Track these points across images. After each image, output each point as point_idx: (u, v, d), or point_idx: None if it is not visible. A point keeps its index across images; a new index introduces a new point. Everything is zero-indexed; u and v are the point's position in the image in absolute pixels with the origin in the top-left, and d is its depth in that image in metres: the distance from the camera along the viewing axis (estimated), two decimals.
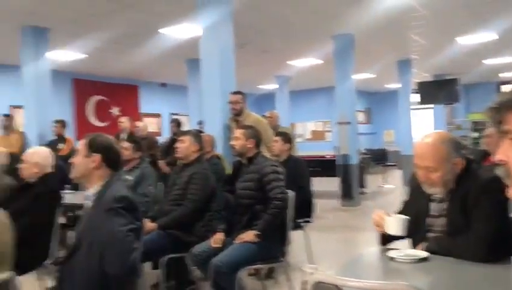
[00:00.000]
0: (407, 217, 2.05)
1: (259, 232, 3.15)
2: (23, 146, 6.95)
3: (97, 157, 2.25)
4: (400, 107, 11.86)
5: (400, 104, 11.87)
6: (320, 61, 10.87)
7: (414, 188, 2.22)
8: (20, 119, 8.05)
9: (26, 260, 3.00)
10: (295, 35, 8.48)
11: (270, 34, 8.23)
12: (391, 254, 1.93)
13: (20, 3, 6.03)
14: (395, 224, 2.04)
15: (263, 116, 5.94)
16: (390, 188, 11.25)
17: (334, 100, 9.33)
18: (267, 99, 15.45)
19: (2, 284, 1.49)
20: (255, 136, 3.49)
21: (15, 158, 5.41)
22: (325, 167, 9.49)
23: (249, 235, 3.15)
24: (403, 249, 2.00)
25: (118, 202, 2.10)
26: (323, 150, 11.72)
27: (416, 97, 11.57)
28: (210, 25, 5.42)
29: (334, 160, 9.38)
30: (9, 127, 7.28)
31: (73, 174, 2.32)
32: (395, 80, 12.44)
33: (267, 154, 4.24)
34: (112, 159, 2.29)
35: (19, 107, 8.31)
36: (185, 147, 3.76)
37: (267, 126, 5.23)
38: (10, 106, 9.49)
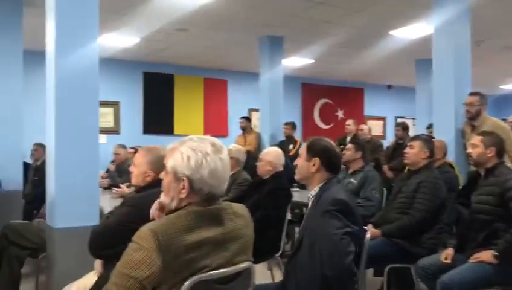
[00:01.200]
0: None
1: (498, 253, 2.77)
2: (259, 145, 7.67)
3: (317, 161, 2.29)
4: None
5: None
6: None
7: None
8: (256, 121, 8.91)
9: (258, 251, 3.29)
10: None
11: None
12: None
13: (259, 16, 6.66)
14: None
15: (503, 120, 5.25)
16: None
17: None
18: (510, 101, 13.66)
19: (243, 272, 1.64)
20: (497, 144, 3.08)
21: (251, 156, 6.02)
22: None
23: (487, 255, 2.79)
24: None
25: (333, 204, 2.12)
26: None
27: None
28: (444, 23, 5.05)
29: None
30: (246, 128, 8.12)
31: (297, 175, 2.43)
32: None
33: (510, 165, 3.71)
34: (330, 163, 2.32)
35: (256, 110, 9.20)
36: (414, 152, 3.56)
37: (510, 132, 4.59)
38: (249, 109, 10.58)
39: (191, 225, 1.50)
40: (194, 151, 1.56)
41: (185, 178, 1.55)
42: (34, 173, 6.10)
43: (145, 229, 1.46)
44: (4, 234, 3.73)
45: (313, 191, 2.32)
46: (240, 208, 1.71)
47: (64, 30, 3.21)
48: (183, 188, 1.56)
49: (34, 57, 6.53)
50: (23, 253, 3.69)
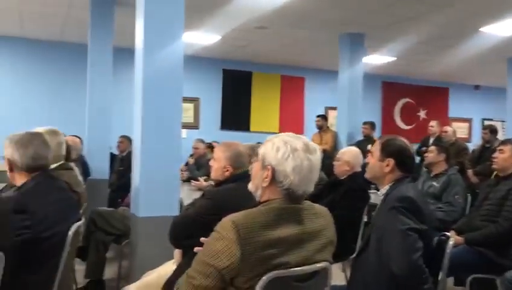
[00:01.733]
0: None
1: None
2: (335, 144, 7.57)
3: (391, 161, 2.25)
4: None
5: None
6: None
7: None
8: (333, 120, 8.79)
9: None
10: None
11: None
12: None
13: (340, 13, 6.55)
14: None
15: None
16: None
17: None
18: None
19: (320, 271, 1.65)
20: None
21: (327, 155, 5.95)
22: None
23: None
24: None
25: (399, 201, 2.09)
26: None
27: None
28: None
29: None
30: (323, 126, 8.04)
31: (367, 174, 2.41)
32: None
33: None
34: (404, 163, 2.27)
35: (333, 108, 9.08)
36: (504, 157, 3.34)
37: None
38: (325, 107, 10.47)
39: (270, 221, 1.52)
40: (285, 144, 1.60)
41: (269, 167, 1.59)
42: (120, 164, 6.47)
43: (227, 220, 1.51)
44: (92, 219, 3.99)
45: (383, 189, 2.29)
46: (322, 209, 1.72)
47: (152, 29, 3.37)
48: (266, 177, 1.59)
49: (122, 53, 6.92)
50: (108, 238, 3.93)
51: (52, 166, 2.68)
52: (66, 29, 7.73)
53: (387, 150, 2.27)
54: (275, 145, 1.61)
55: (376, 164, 2.29)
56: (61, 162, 3.04)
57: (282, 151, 1.59)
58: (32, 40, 8.44)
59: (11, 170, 2.21)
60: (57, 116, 7.91)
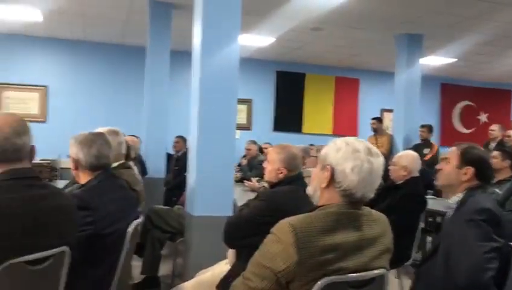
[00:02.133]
0: None
1: None
2: (391, 148, 7.39)
3: (470, 170, 2.18)
4: None
5: None
6: None
7: None
8: (389, 122, 8.58)
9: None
10: None
11: None
12: None
13: (397, 13, 6.39)
14: None
15: None
16: None
17: None
18: None
19: (377, 278, 1.61)
20: None
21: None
22: None
23: None
24: None
25: (479, 213, 2.00)
26: None
27: None
28: None
29: None
30: (378, 129, 7.86)
31: (440, 181, 2.32)
32: None
33: None
34: (483, 173, 2.20)
35: (389, 110, 8.87)
36: None
37: None
38: (381, 109, 10.25)
39: (328, 226, 1.50)
40: (346, 145, 1.60)
41: (329, 167, 1.59)
42: (175, 163, 6.63)
43: (285, 223, 1.49)
44: (148, 217, 4.10)
45: (456, 197, 2.21)
46: (380, 216, 1.69)
47: (210, 32, 3.41)
48: (325, 177, 1.59)
49: (179, 56, 7.08)
50: (164, 236, 4.03)
51: (113, 165, 2.78)
52: (126, 33, 8.00)
53: (467, 158, 2.20)
54: (337, 146, 1.61)
55: (453, 171, 2.22)
56: (122, 161, 3.15)
57: (342, 151, 1.58)
58: (93, 43, 8.76)
59: (76, 168, 2.32)
60: (116, 117, 8.17)
